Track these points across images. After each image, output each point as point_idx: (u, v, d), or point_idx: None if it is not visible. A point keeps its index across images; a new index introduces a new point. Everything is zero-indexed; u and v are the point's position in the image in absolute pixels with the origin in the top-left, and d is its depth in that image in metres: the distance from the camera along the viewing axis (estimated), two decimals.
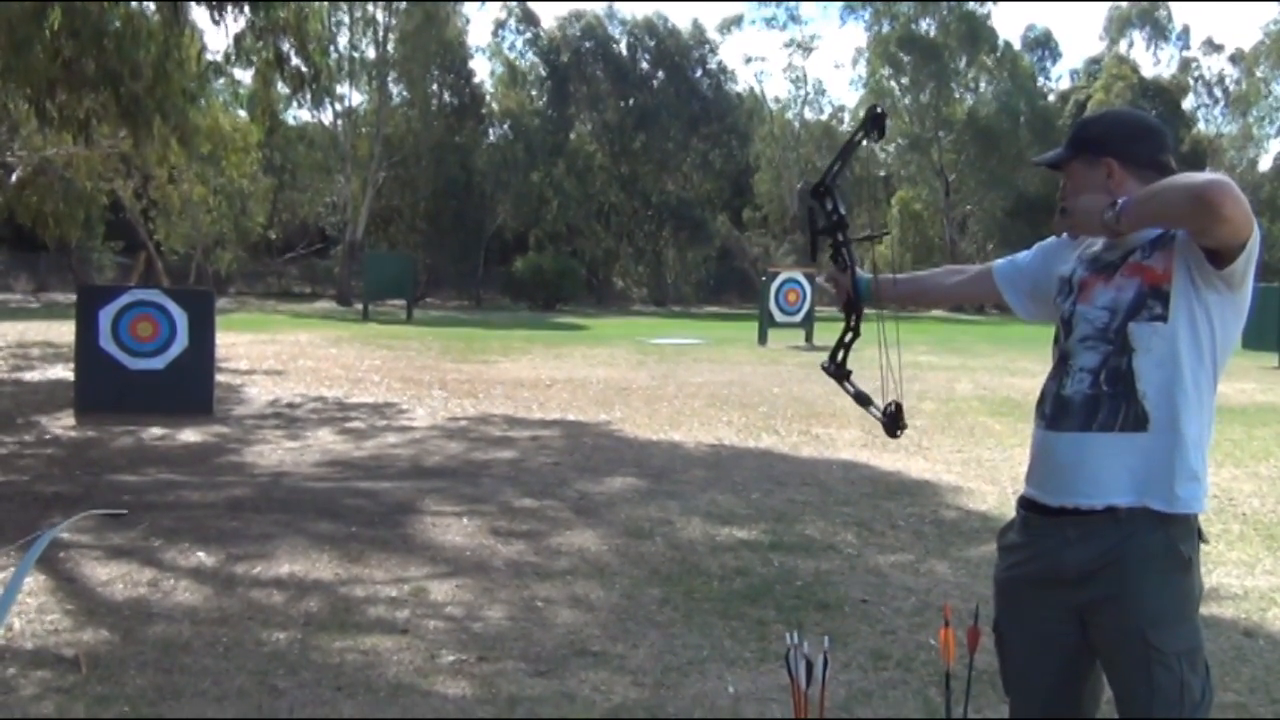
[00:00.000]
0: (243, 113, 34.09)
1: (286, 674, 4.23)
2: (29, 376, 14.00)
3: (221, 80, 14.73)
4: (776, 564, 5.93)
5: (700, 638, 4.73)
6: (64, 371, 13.48)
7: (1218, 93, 56.41)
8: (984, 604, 4.14)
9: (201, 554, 5.86)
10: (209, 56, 12.26)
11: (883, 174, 53.99)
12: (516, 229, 45.04)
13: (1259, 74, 54.22)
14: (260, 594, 5.25)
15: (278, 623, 4.81)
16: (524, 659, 4.45)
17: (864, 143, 2.77)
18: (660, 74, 47.70)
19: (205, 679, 4.16)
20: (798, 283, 23.47)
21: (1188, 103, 55.39)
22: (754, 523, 6.85)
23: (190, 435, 9.65)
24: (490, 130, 46.17)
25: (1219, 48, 58.52)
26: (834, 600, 5.29)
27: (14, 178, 16.54)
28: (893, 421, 2.76)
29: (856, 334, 2.86)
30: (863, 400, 2.83)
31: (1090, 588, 2.44)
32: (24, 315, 26.18)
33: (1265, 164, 57.00)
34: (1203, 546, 2.49)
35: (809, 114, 54.33)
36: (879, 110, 2.69)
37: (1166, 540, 2.39)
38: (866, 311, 2.85)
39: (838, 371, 2.87)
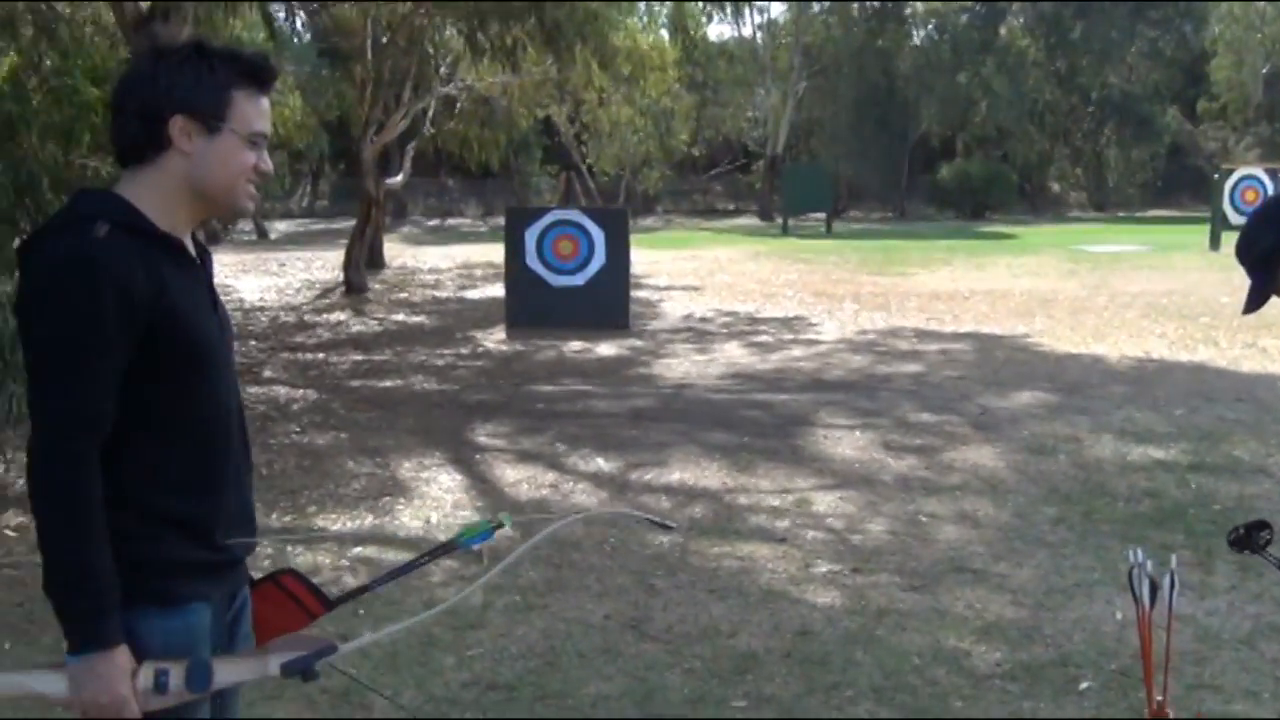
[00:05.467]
0: (664, 33, 35.13)
1: (665, 574, 4.37)
2: (471, 294, 15.24)
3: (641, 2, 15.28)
4: (1194, 486, 5.42)
5: (1093, 560, 4.41)
6: (500, 290, 14.53)
7: None
8: None
9: (600, 460, 6.16)
10: None
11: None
12: (942, 134, 43.53)
13: None
14: (650, 498, 5.45)
15: None
16: (899, 573, 4.34)
17: None
18: None
19: (590, 575, 4.38)
20: (1257, 180, 21.24)
21: None
22: (1174, 442, 6.29)
23: (606, 349, 10.14)
24: (914, 32, 44.74)
25: None
26: None
27: (457, 108, 17.96)
28: None
29: None
30: None
31: None
32: (473, 238, 28.42)
33: None
34: None
35: None
36: None
37: None
38: None
39: None
